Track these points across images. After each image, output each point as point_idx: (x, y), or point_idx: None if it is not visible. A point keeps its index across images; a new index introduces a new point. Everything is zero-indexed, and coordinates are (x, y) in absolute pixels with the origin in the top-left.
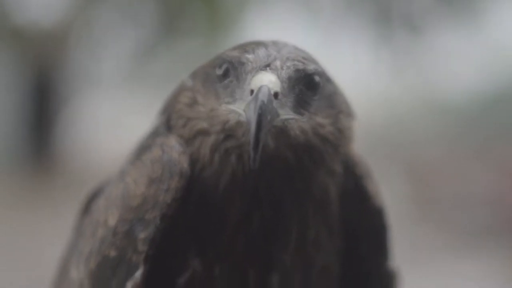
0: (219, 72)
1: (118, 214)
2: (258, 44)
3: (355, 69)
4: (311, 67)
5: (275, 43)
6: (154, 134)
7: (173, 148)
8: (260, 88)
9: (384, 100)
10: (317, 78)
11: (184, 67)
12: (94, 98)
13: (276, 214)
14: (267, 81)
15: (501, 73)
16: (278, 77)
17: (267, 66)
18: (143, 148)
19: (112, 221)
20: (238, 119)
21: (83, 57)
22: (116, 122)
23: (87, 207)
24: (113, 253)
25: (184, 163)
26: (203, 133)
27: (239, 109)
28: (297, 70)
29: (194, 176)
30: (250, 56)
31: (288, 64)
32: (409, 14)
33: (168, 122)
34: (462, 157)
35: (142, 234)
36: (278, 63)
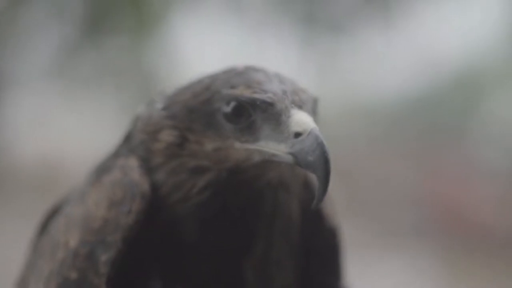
0: (227, 110)
1: (79, 236)
2: (252, 75)
3: (281, 69)
4: (311, 92)
5: (260, 69)
6: (115, 156)
7: (134, 170)
8: (313, 132)
9: None
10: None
11: (110, 65)
12: (18, 97)
13: (243, 236)
14: (311, 121)
15: (424, 74)
16: (308, 113)
17: (296, 104)
18: (103, 169)
19: (73, 242)
20: (265, 158)
21: (6, 54)
22: (41, 121)
23: (44, 225)
24: (74, 275)
25: (145, 185)
26: (201, 170)
27: (275, 150)
28: (314, 103)
29: (158, 198)
30: (271, 95)
31: (304, 96)
32: (334, 15)
33: (131, 147)
34: (388, 157)
35: (104, 257)
36: (298, 97)
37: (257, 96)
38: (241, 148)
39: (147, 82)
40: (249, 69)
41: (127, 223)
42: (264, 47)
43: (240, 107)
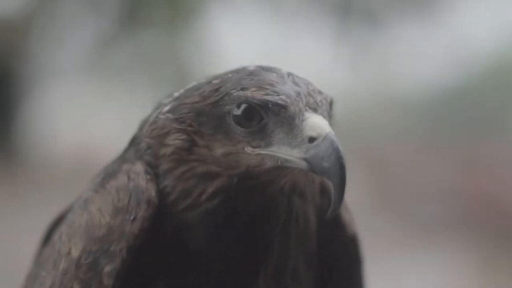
0: (237, 112)
1: (81, 245)
2: (263, 76)
3: (316, 61)
4: (328, 93)
5: (272, 70)
6: (120, 161)
7: (140, 175)
8: (328, 136)
9: (345, 93)
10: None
11: (145, 56)
12: (55, 89)
13: (255, 244)
14: (326, 125)
15: (459, 68)
16: (323, 116)
17: (311, 107)
18: (108, 175)
19: (75, 252)
20: (278, 164)
21: (44, 47)
22: (77, 112)
23: (48, 236)
24: (76, 286)
25: (152, 191)
26: (210, 176)
27: (289, 155)
28: (330, 105)
29: (165, 205)
30: (284, 98)
31: (320, 98)
32: (369, 7)
33: (136, 154)
34: (421, 150)
35: (108, 267)
36: (313, 99)
37: (269, 98)
38: (253, 153)
39: (182, 74)
40: (260, 69)
41: (132, 231)
42: (298, 39)
43: (251, 109)
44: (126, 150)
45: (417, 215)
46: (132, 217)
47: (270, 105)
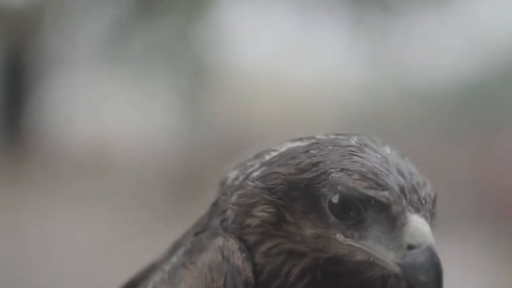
0: (334, 200)
1: None
2: (367, 159)
3: (332, 51)
4: (432, 187)
5: (376, 148)
6: (207, 231)
7: (235, 254)
8: (429, 248)
9: (362, 85)
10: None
11: (162, 45)
12: (69, 78)
13: None
14: (428, 233)
15: (478, 57)
16: (426, 219)
17: (414, 206)
18: (196, 247)
19: None
20: (369, 260)
21: (57, 36)
22: (91, 102)
23: None
24: None
25: (249, 272)
26: (297, 254)
27: (383, 256)
28: (433, 201)
29: (257, 285)
30: (388, 195)
31: (424, 194)
32: None
33: (223, 224)
34: (443, 143)
35: None
36: (417, 196)
37: (371, 193)
38: (344, 242)
39: (199, 63)
40: (364, 148)
41: None
42: (315, 27)
43: (349, 201)
44: (209, 217)
45: (442, 208)
46: None
47: (372, 202)
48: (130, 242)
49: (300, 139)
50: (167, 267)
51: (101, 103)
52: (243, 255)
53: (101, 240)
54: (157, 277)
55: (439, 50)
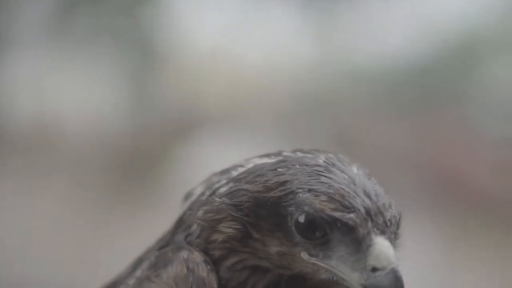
0: (300, 219)
1: None
2: (335, 180)
3: (283, 33)
4: (397, 208)
5: (343, 168)
6: (173, 247)
7: (200, 266)
8: (393, 271)
9: (312, 65)
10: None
11: (107, 25)
12: (13, 57)
13: None
14: (392, 256)
15: (424, 39)
16: (391, 241)
17: (379, 228)
18: (161, 261)
19: None
20: (333, 279)
21: (0, 15)
22: (35, 79)
23: None
24: None
25: (214, 284)
26: (262, 270)
27: (347, 276)
28: (398, 222)
29: None
30: (354, 217)
31: (389, 216)
32: None
33: (187, 239)
34: (387, 122)
35: None
36: (382, 218)
37: (338, 215)
38: (309, 261)
39: (145, 43)
40: (332, 168)
41: None
42: (265, 7)
43: (316, 222)
44: (173, 232)
45: (387, 185)
46: None
47: (338, 224)
48: (75, 221)
49: (268, 155)
50: (131, 281)
51: (45, 81)
52: (208, 267)
53: (45, 218)
54: None
55: (385, 31)
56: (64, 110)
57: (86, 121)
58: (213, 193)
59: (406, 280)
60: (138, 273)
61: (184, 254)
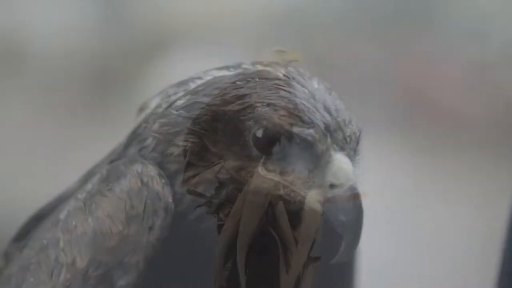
0: (258, 134)
1: (89, 255)
2: (294, 94)
3: None
4: (358, 123)
5: (303, 81)
6: (124, 159)
7: (155, 179)
8: (351, 188)
9: None
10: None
11: None
12: None
13: (272, 261)
14: (351, 173)
15: None
16: (350, 158)
17: (338, 144)
18: (113, 175)
19: (81, 262)
20: (291, 195)
21: None
22: None
23: (24, 233)
24: None
25: (169, 197)
26: (216, 184)
27: (304, 192)
28: (358, 139)
29: (177, 213)
30: (313, 133)
31: (349, 132)
32: None
33: (141, 152)
34: (358, 39)
35: (122, 281)
36: (342, 134)
37: (296, 131)
38: (266, 176)
39: None
40: (292, 82)
41: (150, 242)
42: None
43: (274, 136)
44: (127, 145)
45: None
46: (149, 226)
47: (297, 139)
48: (47, 139)
49: (227, 68)
50: (81, 196)
51: None
52: (163, 180)
53: (19, 137)
54: (70, 206)
55: None
56: (35, 26)
57: (58, 36)
58: (170, 105)
59: (365, 197)
60: (89, 187)
61: (138, 167)
